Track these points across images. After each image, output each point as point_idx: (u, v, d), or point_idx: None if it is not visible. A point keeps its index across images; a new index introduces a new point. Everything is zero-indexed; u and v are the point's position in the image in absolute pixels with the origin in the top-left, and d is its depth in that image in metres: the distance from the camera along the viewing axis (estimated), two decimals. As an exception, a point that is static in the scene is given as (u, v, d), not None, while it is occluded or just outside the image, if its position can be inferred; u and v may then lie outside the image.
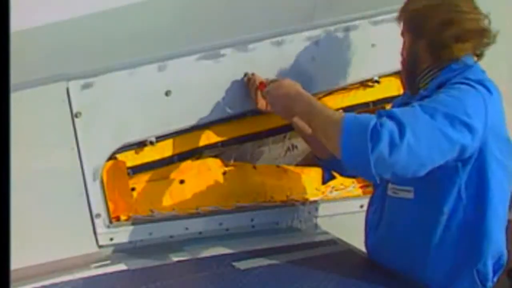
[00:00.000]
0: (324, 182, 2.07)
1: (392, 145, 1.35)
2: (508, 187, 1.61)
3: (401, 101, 1.85)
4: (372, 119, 1.39)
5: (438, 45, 1.65)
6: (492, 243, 1.59)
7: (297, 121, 1.86)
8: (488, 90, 1.53)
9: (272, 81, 1.81)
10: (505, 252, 1.63)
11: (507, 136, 1.59)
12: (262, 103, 1.94)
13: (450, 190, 1.55)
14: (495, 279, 1.62)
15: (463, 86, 1.52)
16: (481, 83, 1.54)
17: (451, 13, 1.64)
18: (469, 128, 1.45)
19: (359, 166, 1.41)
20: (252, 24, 1.95)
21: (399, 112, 1.42)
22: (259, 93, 1.91)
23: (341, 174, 2.01)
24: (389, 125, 1.37)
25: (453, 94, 1.49)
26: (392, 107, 1.92)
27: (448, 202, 1.56)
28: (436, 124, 1.41)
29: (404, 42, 1.76)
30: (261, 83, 1.90)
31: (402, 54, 1.78)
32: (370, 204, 1.86)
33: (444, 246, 1.59)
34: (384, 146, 1.35)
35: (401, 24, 1.76)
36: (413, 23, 1.71)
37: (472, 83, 1.53)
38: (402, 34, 1.77)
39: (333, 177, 2.05)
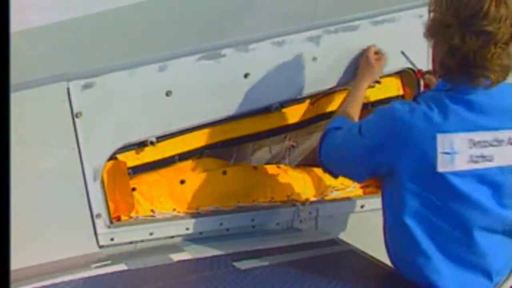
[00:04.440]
0: None
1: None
2: (436, 217, 1.57)
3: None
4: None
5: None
6: (409, 267, 1.61)
7: None
8: (425, 115, 1.51)
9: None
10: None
11: (432, 166, 1.53)
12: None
13: (382, 196, 1.71)
14: None
15: (396, 105, 1.60)
16: (428, 103, 1.53)
17: None
18: (365, 147, 1.63)
19: None
20: (253, 24, 1.95)
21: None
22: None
23: None
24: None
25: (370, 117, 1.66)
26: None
27: (383, 206, 1.71)
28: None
29: None
30: None
31: None
32: None
33: (386, 244, 1.71)
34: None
35: None
36: None
37: (419, 101, 1.56)
38: None
39: None
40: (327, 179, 2.23)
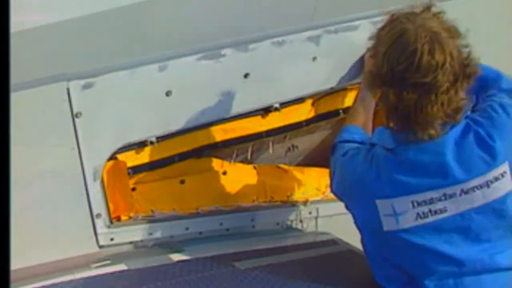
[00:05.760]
0: None
1: None
2: (394, 261, 1.57)
3: None
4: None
5: None
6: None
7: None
8: (365, 180, 1.50)
9: None
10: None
11: (378, 225, 1.51)
12: None
13: None
14: None
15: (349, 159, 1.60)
16: (372, 165, 1.50)
17: None
18: (335, 191, 1.67)
19: None
20: (252, 24, 1.95)
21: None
22: None
23: None
24: None
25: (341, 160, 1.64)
26: None
27: None
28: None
29: None
30: None
31: None
32: None
33: None
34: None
35: None
36: None
37: (368, 156, 1.53)
38: None
39: None
40: (327, 179, 2.23)
